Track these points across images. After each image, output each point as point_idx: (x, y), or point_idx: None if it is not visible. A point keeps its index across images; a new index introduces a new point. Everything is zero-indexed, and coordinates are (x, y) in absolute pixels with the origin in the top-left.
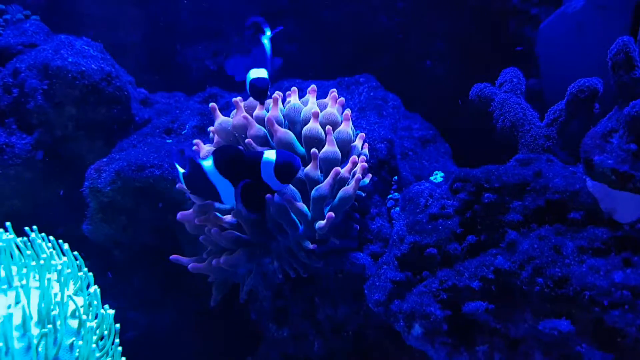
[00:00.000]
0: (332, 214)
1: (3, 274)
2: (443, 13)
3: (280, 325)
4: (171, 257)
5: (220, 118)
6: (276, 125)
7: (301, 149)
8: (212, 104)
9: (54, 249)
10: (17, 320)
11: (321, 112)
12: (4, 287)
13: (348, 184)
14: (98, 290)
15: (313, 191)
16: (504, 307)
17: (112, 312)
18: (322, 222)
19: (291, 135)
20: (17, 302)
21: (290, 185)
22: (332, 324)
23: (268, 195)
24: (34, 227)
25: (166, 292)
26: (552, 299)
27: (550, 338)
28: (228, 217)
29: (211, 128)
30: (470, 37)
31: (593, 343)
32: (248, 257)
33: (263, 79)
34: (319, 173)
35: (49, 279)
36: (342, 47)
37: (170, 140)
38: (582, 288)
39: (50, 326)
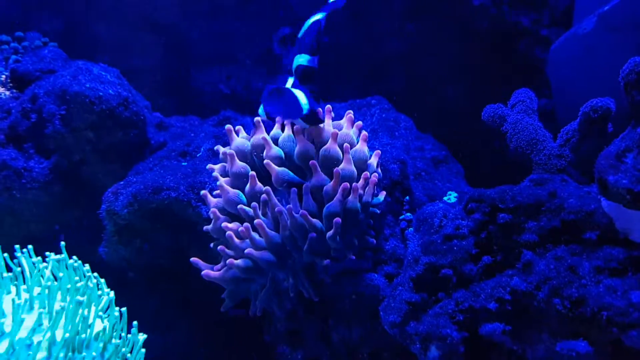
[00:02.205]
0: (338, 219)
1: (27, 296)
2: (453, 34)
3: (295, 347)
4: (192, 259)
5: (237, 140)
6: (301, 135)
7: None
8: (228, 126)
9: (75, 270)
10: (42, 344)
11: None
12: (28, 309)
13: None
14: (125, 312)
15: (324, 209)
16: (520, 329)
17: (143, 336)
18: (330, 232)
19: (313, 148)
20: (40, 325)
21: (311, 199)
22: (347, 346)
23: (289, 206)
24: (62, 244)
25: (181, 314)
26: (569, 319)
27: (568, 359)
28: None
29: (223, 149)
30: (481, 58)
31: None
32: (273, 257)
33: (312, 65)
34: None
35: (74, 302)
36: (353, 69)
37: (185, 163)
38: (599, 308)
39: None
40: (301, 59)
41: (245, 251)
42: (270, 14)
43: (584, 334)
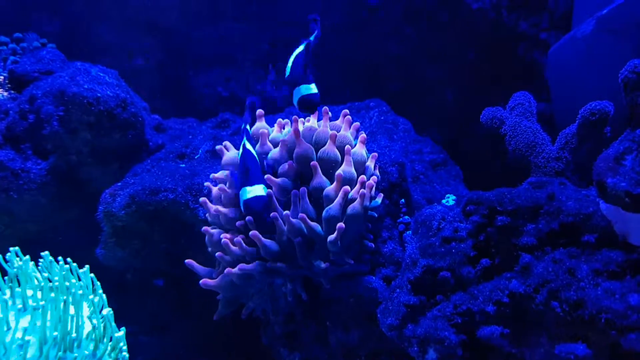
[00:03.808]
0: (342, 224)
1: (19, 302)
2: (451, 38)
3: (292, 350)
4: (186, 261)
5: (228, 154)
6: (301, 137)
7: None
8: (218, 147)
9: (70, 272)
10: (33, 343)
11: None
12: (20, 307)
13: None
14: (111, 312)
15: (324, 212)
16: (519, 332)
17: (121, 333)
18: (332, 236)
19: (313, 151)
20: (33, 325)
21: (308, 203)
22: (345, 349)
23: (287, 213)
24: (46, 252)
25: (178, 315)
26: (568, 322)
27: None
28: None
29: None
30: (479, 61)
31: None
32: (263, 268)
33: (314, 94)
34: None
35: (65, 302)
36: (353, 72)
37: (183, 165)
38: (597, 311)
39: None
40: (306, 90)
41: (238, 267)
42: (269, 17)
43: (582, 337)
